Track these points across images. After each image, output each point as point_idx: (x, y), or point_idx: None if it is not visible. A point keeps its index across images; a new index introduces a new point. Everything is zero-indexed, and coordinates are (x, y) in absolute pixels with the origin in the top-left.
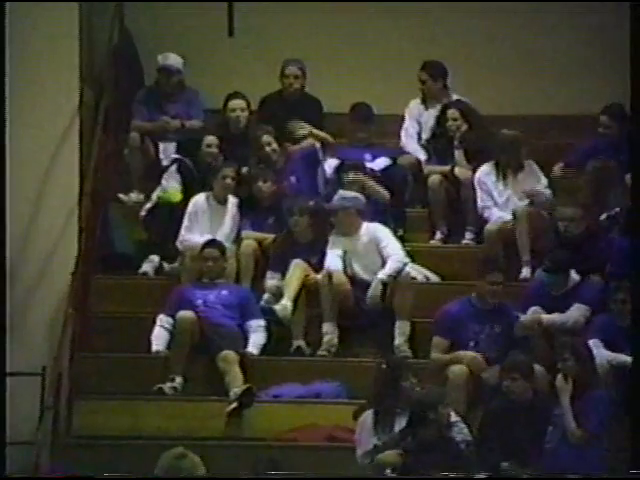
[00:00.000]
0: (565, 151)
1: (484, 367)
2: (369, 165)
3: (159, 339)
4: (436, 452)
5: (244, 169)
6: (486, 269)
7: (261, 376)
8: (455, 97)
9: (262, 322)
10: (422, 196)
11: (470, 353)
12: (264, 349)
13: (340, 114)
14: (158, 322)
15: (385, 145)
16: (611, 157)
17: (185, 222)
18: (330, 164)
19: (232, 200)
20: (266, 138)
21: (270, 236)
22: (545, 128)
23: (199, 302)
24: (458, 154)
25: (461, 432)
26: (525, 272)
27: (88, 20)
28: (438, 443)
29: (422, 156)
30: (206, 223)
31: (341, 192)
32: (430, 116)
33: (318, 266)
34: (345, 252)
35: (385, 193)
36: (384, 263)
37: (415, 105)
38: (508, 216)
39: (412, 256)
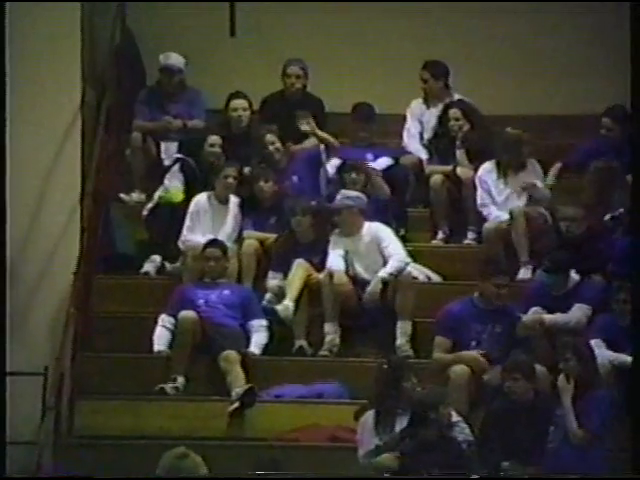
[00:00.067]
0: (566, 151)
1: (486, 367)
2: (371, 165)
3: (161, 339)
4: (437, 452)
5: (246, 169)
6: (492, 271)
7: (263, 376)
8: (457, 97)
9: (264, 322)
10: (424, 196)
11: (472, 353)
12: (266, 349)
13: (342, 114)
14: (160, 322)
15: (387, 145)
16: (613, 158)
17: (187, 222)
18: (332, 164)
19: (234, 200)
20: (269, 137)
21: (272, 236)
22: (546, 128)
23: (201, 302)
24: (460, 154)
25: (462, 432)
26: (524, 272)
27: (90, 20)
28: (439, 443)
29: (424, 156)
30: (208, 223)
31: (343, 191)
32: (432, 116)
33: (320, 266)
34: (347, 252)
35: (386, 189)
36: (386, 263)
37: (417, 105)
38: (505, 215)
39: (414, 256)
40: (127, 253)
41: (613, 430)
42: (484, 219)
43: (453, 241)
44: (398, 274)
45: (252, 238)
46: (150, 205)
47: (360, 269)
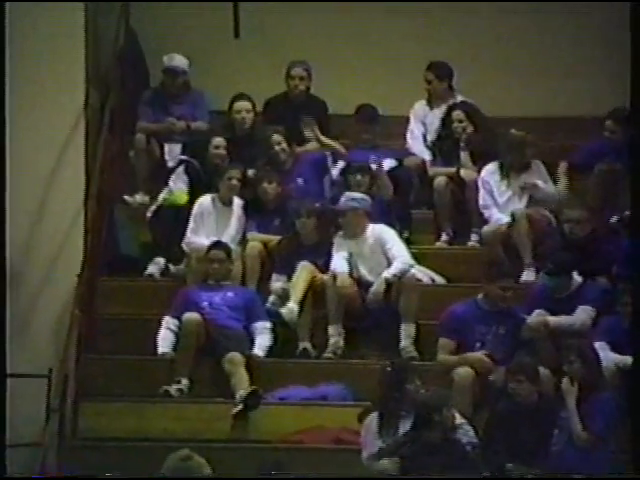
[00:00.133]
0: (570, 152)
1: (491, 368)
2: (374, 166)
3: (165, 341)
4: (441, 454)
5: (250, 171)
6: (497, 273)
7: (267, 378)
8: (460, 98)
9: (268, 324)
10: (428, 198)
11: (477, 355)
12: (270, 351)
13: (345, 115)
14: (164, 324)
15: (390, 146)
16: (617, 160)
17: (191, 224)
18: (336, 166)
19: (237, 202)
20: (276, 137)
21: (276, 238)
22: (550, 129)
23: (205, 304)
24: (464, 156)
25: (466, 434)
26: (527, 275)
27: (94, 21)
28: (443, 445)
29: (427, 157)
30: (212, 225)
31: (348, 193)
32: (435, 117)
33: (324, 268)
34: (351, 254)
35: (391, 188)
36: (390, 265)
37: (420, 106)
38: (506, 218)
39: (418, 258)
40: (131, 255)
41: (617, 433)
42: (486, 221)
43: (457, 243)
44: (402, 276)
45: (256, 240)
46: (154, 207)
47: (364, 271)
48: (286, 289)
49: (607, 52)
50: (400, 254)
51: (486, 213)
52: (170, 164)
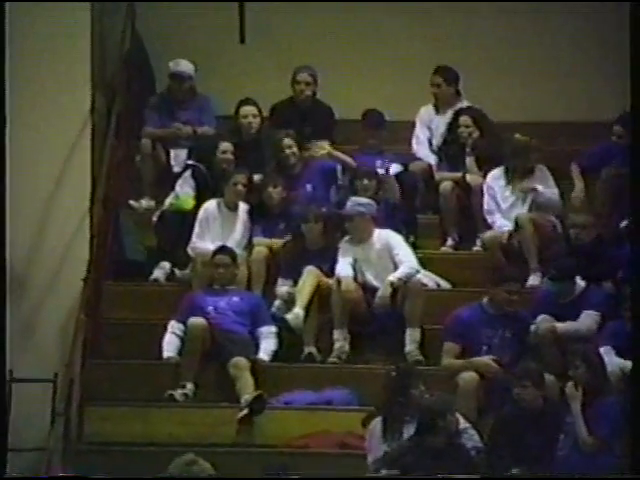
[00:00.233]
0: (573, 157)
1: (498, 373)
2: (381, 171)
3: (170, 345)
4: (445, 459)
5: (256, 176)
6: (503, 277)
7: (272, 383)
8: (466, 103)
9: (273, 329)
10: (433, 203)
11: (484, 359)
12: (275, 356)
13: (352, 120)
14: (169, 328)
15: (397, 151)
16: (624, 165)
17: (196, 229)
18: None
19: (243, 207)
20: (287, 141)
21: (281, 242)
22: (554, 134)
23: (210, 309)
24: (469, 161)
25: (471, 439)
26: (533, 279)
27: (99, 25)
28: (447, 450)
29: (433, 162)
30: (217, 230)
31: (354, 198)
32: (441, 122)
33: (330, 272)
34: (355, 260)
35: (397, 192)
36: (396, 270)
37: (426, 111)
38: (509, 224)
39: (423, 263)
40: (137, 260)
41: (623, 437)
42: (491, 226)
43: (462, 248)
44: (407, 280)
45: (262, 245)
46: (160, 212)
47: (370, 276)
48: (292, 293)
49: (609, 54)
50: (407, 259)
51: (490, 219)
52: (176, 169)
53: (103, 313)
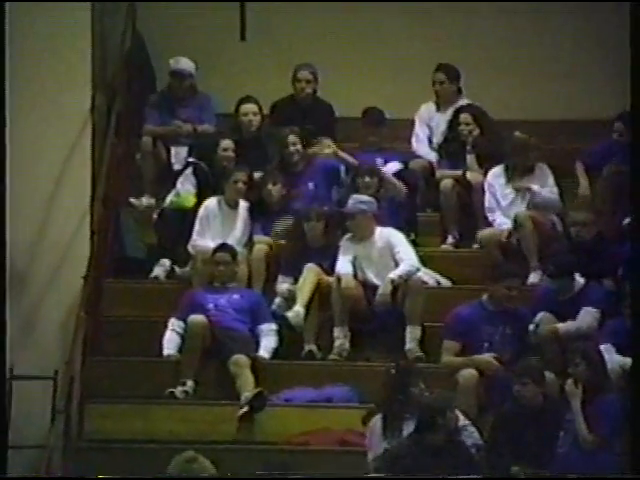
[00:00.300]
0: (574, 155)
1: (499, 370)
2: (383, 169)
3: (170, 343)
4: (445, 456)
5: (256, 174)
6: (503, 273)
7: (272, 380)
8: (466, 101)
9: (273, 326)
10: (434, 200)
11: (485, 357)
12: (275, 353)
13: (352, 118)
14: (169, 326)
15: (397, 149)
16: (626, 162)
17: (196, 226)
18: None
19: (243, 204)
20: (292, 138)
21: (281, 240)
22: (553, 133)
23: (210, 306)
24: (470, 159)
25: (471, 436)
26: (533, 277)
27: (100, 21)
28: (447, 448)
29: (434, 159)
30: (217, 227)
31: (356, 196)
32: (442, 120)
33: (331, 270)
34: (356, 257)
35: (402, 188)
36: (397, 268)
37: (426, 109)
38: (508, 222)
39: (423, 260)
40: (137, 257)
41: (623, 435)
42: (492, 224)
43: (463, 245)
44: (407, 278)
45: (262, 242)
46: (160, 209)
47: (371, 274)
48: (292, 291)
49: (609, 54)
50: (407, 256)
51: (491, 216)
52: (176, 167)
53: (103, 310)
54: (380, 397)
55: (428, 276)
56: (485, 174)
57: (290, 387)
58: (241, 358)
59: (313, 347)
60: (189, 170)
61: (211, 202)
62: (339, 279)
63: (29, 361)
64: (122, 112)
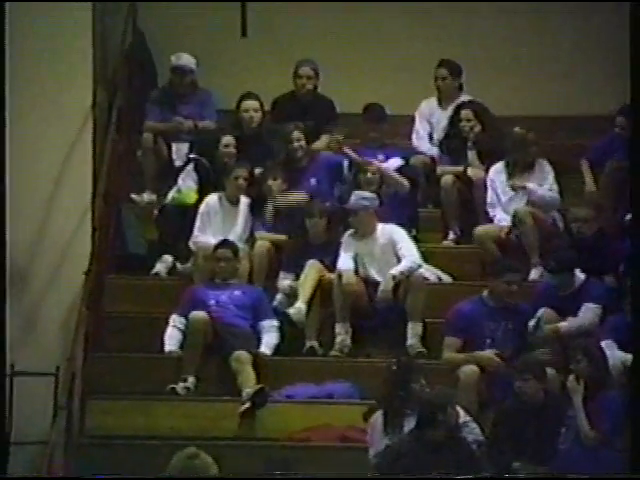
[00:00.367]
0: (575, 151)
1: (501, 366)
2: (384, 165)
3: (172, 339)
4: (446, 453)
5: (257, 170)
6: (503, 269)
7: (274, 376)
8: (467, 97)
9: (275, 322)
10: (435, 196)
11: (487, 354)
12: (277, 349)
13: (353, 114)
14: (171, 322)
15: (397, 145)
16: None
17: (198, 222)
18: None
19: (244, 200)
20: (297, 134)
21: (283, 236)
22: (553, 129)
23: (212, 302)
24: (471, 155)
25: (472, 432)
26: (534, 273)
27: (101, 21)
28: (448, 444)
29: (435, 155)
30: (219, 223)
31: (357, 192)
32: (443, 116)
33: (332, 266)
34: (357, 254)
35: (405, 183)
36: (399, 264)
37: (426, 106)
38: (508, 218)
39: (425, 256)
40: (138, 253)
41: (624, 431)
42: (492, 220)
43: (464, 242)
44: (409, 274)
45: (264, 239)
46: (161, 205)
47: (373, 271)
48: (293, 287)
49: (609, 54)
50: (409, 253)
51: (492, 212)
52: (177, 163)
53: (105, 307)
54: (381, 393)
55: (429, 272)
56: (486, 170)
57: (291, 383)
58: (242, 354)
59: (314, 343)
60: (190, 166)
61: (212, 198)
62: (340, 275)
63: (31, 357)
64: (123, 108)
